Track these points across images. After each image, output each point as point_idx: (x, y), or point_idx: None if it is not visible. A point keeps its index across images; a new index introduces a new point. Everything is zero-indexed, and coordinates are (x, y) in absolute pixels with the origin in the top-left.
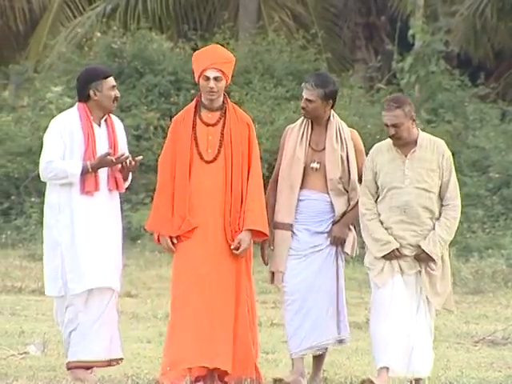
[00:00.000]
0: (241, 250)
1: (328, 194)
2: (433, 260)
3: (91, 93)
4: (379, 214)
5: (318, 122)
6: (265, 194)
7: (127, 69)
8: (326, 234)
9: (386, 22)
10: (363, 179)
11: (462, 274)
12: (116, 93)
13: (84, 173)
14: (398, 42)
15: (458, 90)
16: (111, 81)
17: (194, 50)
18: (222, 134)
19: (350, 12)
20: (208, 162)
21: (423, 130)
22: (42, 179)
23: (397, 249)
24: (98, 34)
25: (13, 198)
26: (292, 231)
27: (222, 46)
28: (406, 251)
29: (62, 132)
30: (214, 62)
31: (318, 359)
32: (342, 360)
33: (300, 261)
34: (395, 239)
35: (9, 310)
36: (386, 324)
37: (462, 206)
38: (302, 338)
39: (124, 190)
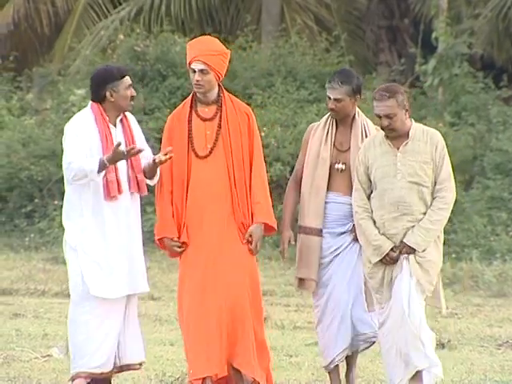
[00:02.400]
0: (254, 243)
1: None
2: (414, 250)
3: (108, 94)
4: (372, 211)
5: (343, 121)
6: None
7: (150, 72)
8: (348, 233)
9: (409, 25)
10: (355, 174)
11: (485, 277)
12: (132, 92)
13: (101, 168)
14: (421, 45)
15: (481, 93)
16: (127, 80)
17: None
18: (219, 127)
19: (373, 15)
20: (203, 158)
21: (445, 133)
22: (66, 183)
23: (391, 249)
24: (122, 37)
25: (36, 200)
26: (321, 236)
27: (245, 49)
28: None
29: (80, 134)
30: (198, 54)
31: (351, 357)
32: (366, 363)
33: (326, 269)
34: (388, 238)
35: (32, 312)
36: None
37: (486, 208)
38: (335, 340)
39: (147, 193)
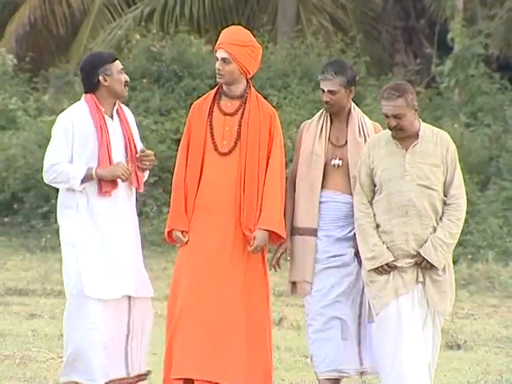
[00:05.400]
0: (253, 247)
1: (351, 194)
2: (435, 267)
3: (101, 78)
4: (375, 216)
5: (338, 115)
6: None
7: (166, 72)
8: (349, 243)
9: (425, 26)
10: (357, 175)
11: (501, 277)
12: (125, 77)
13: (87, 179)
14: (437, 46)
15: (497, 94)
16: (119, 64)
17: None
18: (240, 124)
19: (389, 15)
20: (223, 155)
21: (461, 133)
22: (44, 181)
23: (388, 264)
24: (138, 37)
25: (52, 201)
26: (316, 236)
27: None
28: (406, 260)
29: (70, 129)
30: (222, 42)
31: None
32: None
33: (321, 274)
34: (396, 245)
35: (48, 313)
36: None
37: (502, 210)
38: (322, 359)
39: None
